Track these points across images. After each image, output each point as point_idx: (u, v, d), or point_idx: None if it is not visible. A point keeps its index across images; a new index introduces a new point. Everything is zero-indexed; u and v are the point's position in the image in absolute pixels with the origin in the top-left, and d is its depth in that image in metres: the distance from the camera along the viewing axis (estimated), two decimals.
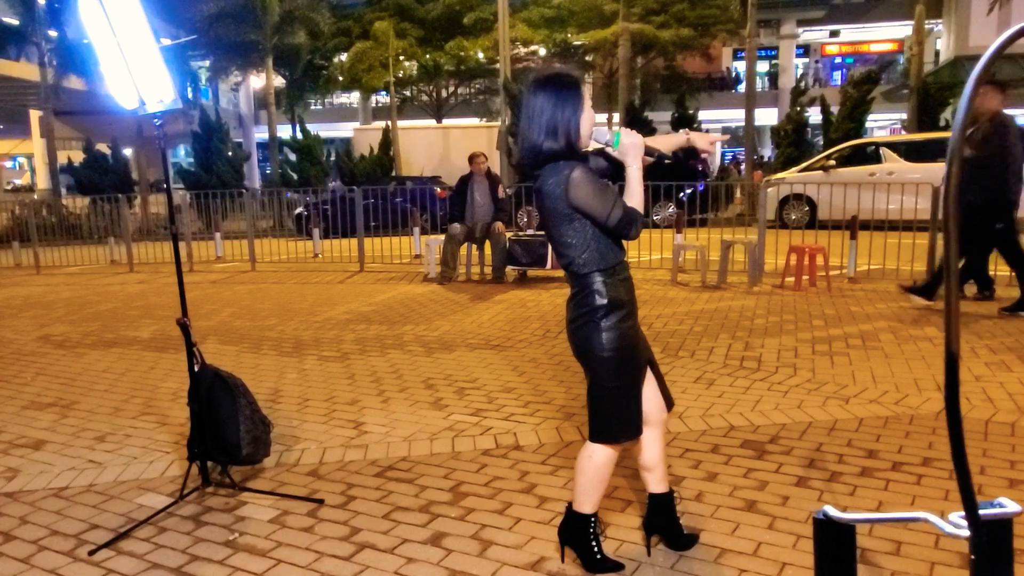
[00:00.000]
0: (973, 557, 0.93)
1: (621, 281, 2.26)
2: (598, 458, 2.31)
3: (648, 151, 2.28)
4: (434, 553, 2.56)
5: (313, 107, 33.77)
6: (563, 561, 2.45)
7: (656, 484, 2.47)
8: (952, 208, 0.90)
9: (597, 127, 2.27)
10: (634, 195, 2.23)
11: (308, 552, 2.60)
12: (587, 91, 2.30)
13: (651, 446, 2.43)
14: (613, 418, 2.26)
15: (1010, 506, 0.92)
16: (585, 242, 2.20)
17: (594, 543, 2.38)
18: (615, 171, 2.36)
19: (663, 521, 2.50)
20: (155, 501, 3.04)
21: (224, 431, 3.03)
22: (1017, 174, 5.86)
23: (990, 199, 5.76)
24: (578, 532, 2.38)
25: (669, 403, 2.46)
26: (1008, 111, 6.00)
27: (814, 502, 2.85)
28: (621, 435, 2.28)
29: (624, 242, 2.28)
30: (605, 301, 2.21)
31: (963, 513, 0.92)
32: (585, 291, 2.22)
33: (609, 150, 2.29)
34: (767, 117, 29.98)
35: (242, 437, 3.05)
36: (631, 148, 2.23)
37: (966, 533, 0.92)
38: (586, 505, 2.35)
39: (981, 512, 0.91)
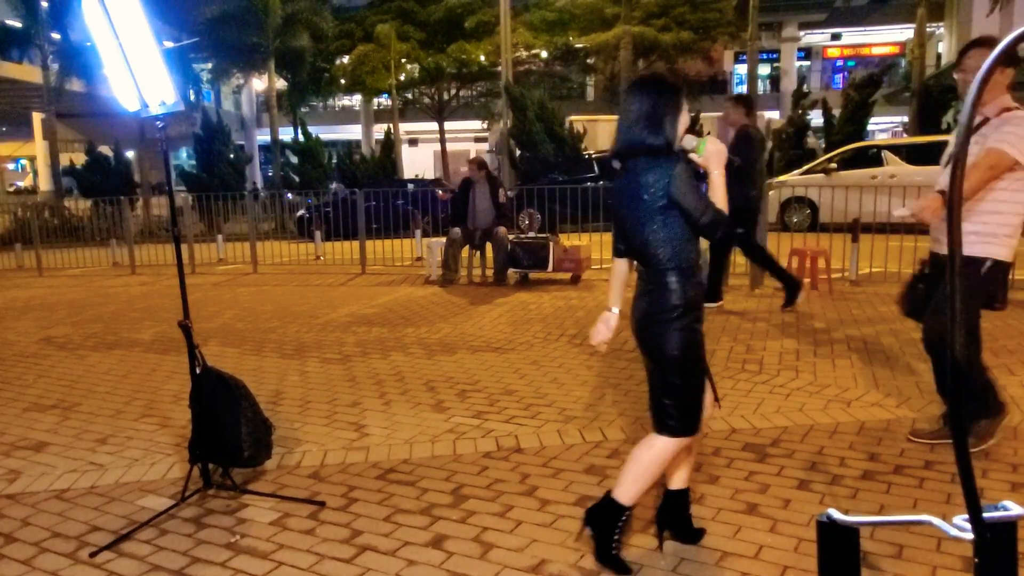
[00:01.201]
0: (977, 560, 0.93)
1: (696, 283, 2.33)
2: (658, 450, 2.36)
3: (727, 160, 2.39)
4: (435, 555, 2.56)
5: (315, 109, 33.79)
6: (578, 539, 2.48)
7: (680, 481, 2.52)
8: (955, 210, 0.90)
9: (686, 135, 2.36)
10: (719, 200, 2.31)
11: (309, 554, 2.60)
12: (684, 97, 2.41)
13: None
14: (677, 414, 2.33)
15: (1014, 509, 0.92)
16: (672, 238, 2.26)
17: (616, 536, 2.41)
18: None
19: (677, 517, 2.56)
20: (156, 503, 3.04)
21: (225, 433, 3.04)
22: (756, 184, 6.45)
23: (740, 205, 6.10)
24: (607, 520, 2.40)
25: (716, 400, 2.52)
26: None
27: (816, 505, 2.85)
28: (684, 430, 2.34)
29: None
30: (681, 301, 2.27)
31: (967, 516, 0.92)
32: (662, 289, 2.28)
33: (694, 156, 2.36)
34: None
35: (243, 439, 3.06)
36: (715, 156, 2.33)
37: (970, 536, 0.92)
38: (628, 495, 2.38)
39: (985, 515, 0.91)
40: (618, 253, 2.51)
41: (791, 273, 6.69)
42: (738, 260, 8.22)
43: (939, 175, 3.34)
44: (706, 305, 6.46)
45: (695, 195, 2.23)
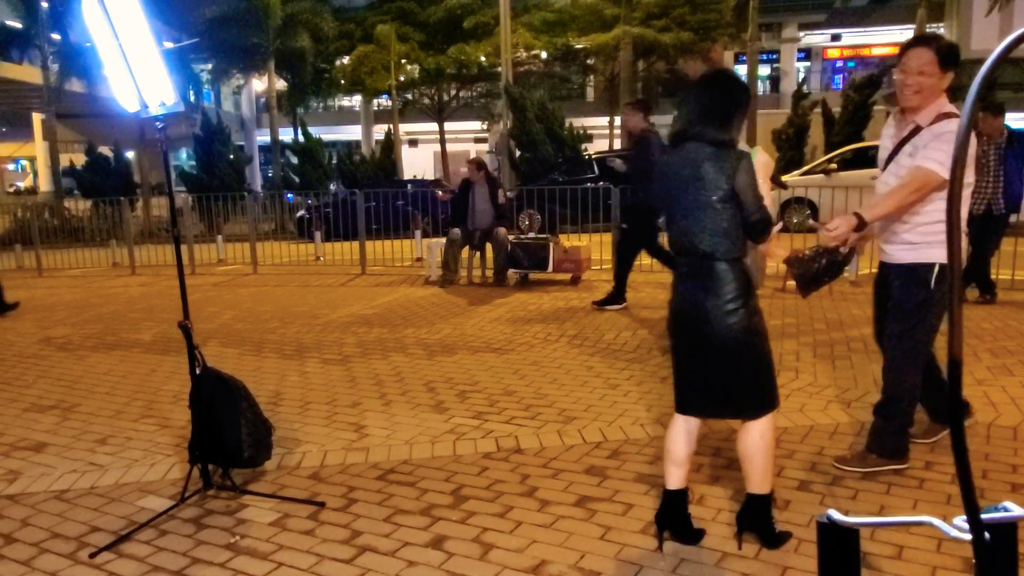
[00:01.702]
0: (977, 561, 0.93)
1: (744, 269, 2.41)
2: (768, 435, 2.43)
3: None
4: (435, 556, 2.56)
5: (314, 110, 33.81)
6: (740, 548, 2.51)
7: (679, 480, 2.54)
8: (955, 213, 0.90)
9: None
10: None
11: (309, 555, 2.60)
12: None
13: (692, 440, 2.54)
14: (769, 387, 2.42)
15: (1015, 510, 0.92)
16: (738, 228, 2.33)
17: (774, 519, 2.51)
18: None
19: (677, 517, 2.56)
20: (156, 504, 3.04)
21: (225, 434, 3.03)
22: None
23: (632, 205, 6.72)
24: (763, 512, 2.48)
25: None
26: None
27: (816, 506, 2.84)
28: (776, 400, 2.46)
29: None
30: (743, 287, 2.35)
31: (967, 517, 0.92)
32: (732, 276, 2.33)
33: None
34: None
35: (243, 440, 3.06)
36: (764, 167, 2.48)
37: (970, 537, 0.92)
38: (768, 484, 2.46)
39: (985, 516, 0.91)
40: None
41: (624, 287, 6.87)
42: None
43: (877, 182, 3.10)
44: (609, 307, 6.83)
45: (755, 192, 2.31)
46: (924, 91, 2.85)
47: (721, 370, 2.39)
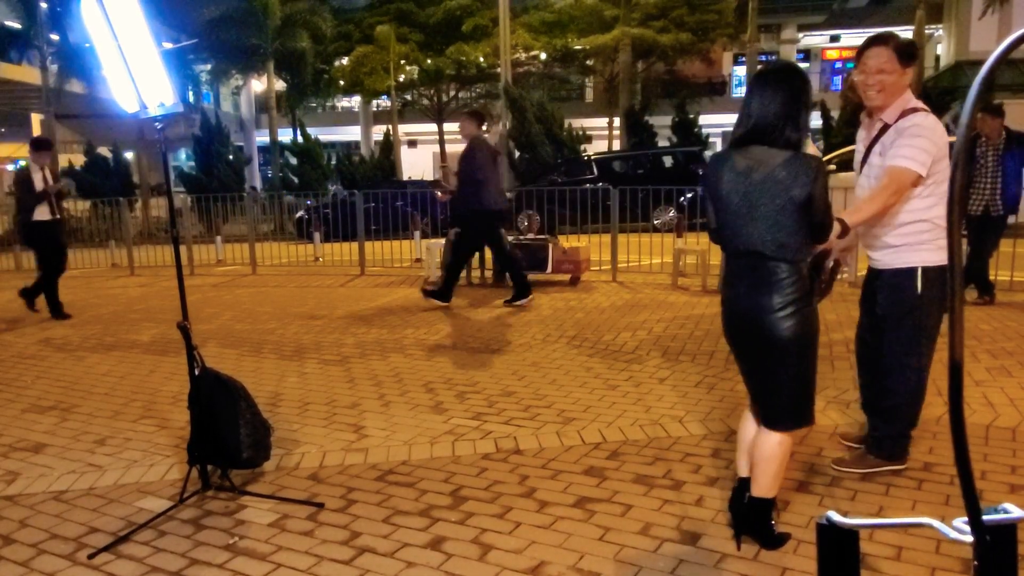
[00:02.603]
0: (977, 563, 0.92)
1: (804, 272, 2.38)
2: (787, 443, 2.42)
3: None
4: (434, 557, 2.56)
5: (314, 111, 33.79)
6: (739, 548, 2.53)
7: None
8: (956, 214, 0.90)
9: None
10: None
11: (308, 556, 2.60)
12: None
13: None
14: (808, 401, 2.40)
15: (1015, 511, 0.91)
16: (798, 231, 2.30)
17: (773, 522, 2.52)
18: None
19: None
20: (155, 505, 3.03)
21: (224, 435, 3.03)
22: (499, 186, 7.16)
23: (470, 208, 6.98)
24: (763, 516, 2.49)
25: None
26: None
27: (815, 507, 2.84)
28: (812, 416, 2.44)
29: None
30: (805, 290, 2.33)
31: (967, 518, 0.92)
32: (794, 276, 2.30)
33: None
34: None
35: (242, 440, 3.05)
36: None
37: (970, 538, 0.92)
38: (775, 489, 2.47)
39: (985, 517, 0.91)
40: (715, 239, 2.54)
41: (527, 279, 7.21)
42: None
43: (856, 185, 3.09)
44: (439, 304, 7.09)
45: (826, 195, 2.29)
46: (887, 89, 2.84)
47: (768, 373, 2.38)
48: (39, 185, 6.91)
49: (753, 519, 2.51)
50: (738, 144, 2.37)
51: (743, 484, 2.57)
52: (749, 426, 2.58)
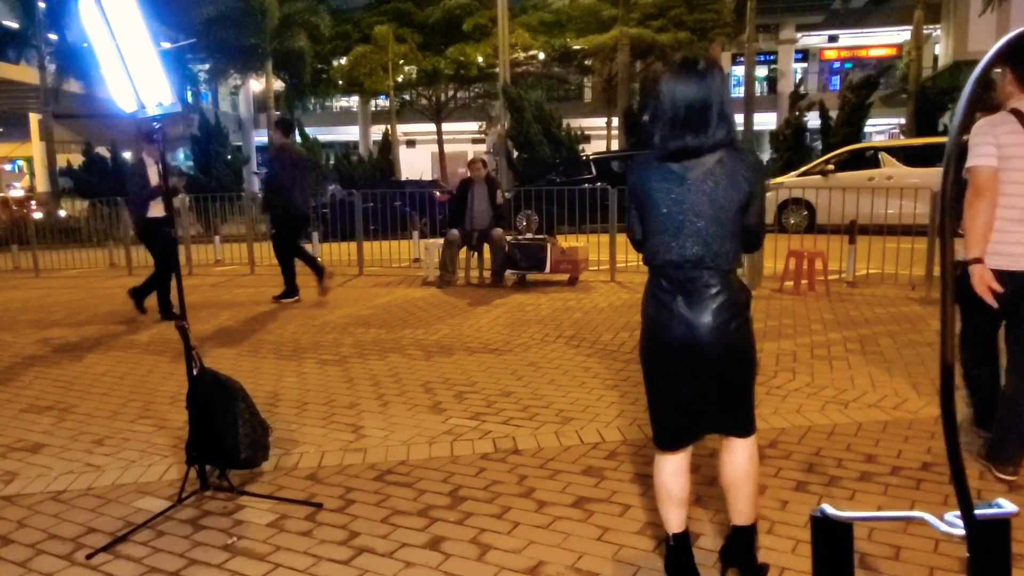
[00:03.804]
0: (969, 556, 0.93)
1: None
2: (756, 454, 2.28)
3: None
4: (432, 557, 2.56)
5: (312, 110, 33.79)
6: None
7: (684, 521, 2.31)
8: (949, 214, 0.90)
9: None
10: None
11: (306, 556, 2.60)
12: None
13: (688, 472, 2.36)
14: (752, 408, 2.27)
15: (1007, 506, 0.92)
16: (738, 235, 2.14)
17: (756, 548, 2.35)
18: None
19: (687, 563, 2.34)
20: (153, 505, 3.03)
21: (222, 435, 3.03)
22: (304, 192, 7.76)
23: (285, 213, 7.50)
24: (750, 543, 2.29)
25: None
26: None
27: (813, 506, 2.84)
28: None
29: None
30: (749, 296, 2.20)
31: (959, 512, 0.92)
32: (735, 287, 2.14)
33: None
34: (766, 122, 30.04)
35: (240, 440, 3.05)
36: None
37: (961, 532, 0.92)
38: (756, 511, 2.30)
39: (977, 512, 0.91)
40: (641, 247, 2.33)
41: (303, 274, 7.83)
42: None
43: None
44: (284, 300, 7.61)
45: (764, 199, 2.16)
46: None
47: (732, 385, 2.18)
48: (153, 180, 6.65)
49: (742, 551, 2.29)
50: (670, 157, 2.14)
51: (680, 541, 2.27)
52: (675, 475, 2.26)
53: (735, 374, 2.17)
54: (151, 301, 7.08)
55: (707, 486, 3.04)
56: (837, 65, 35.83)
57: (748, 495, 2.24)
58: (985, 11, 19.00)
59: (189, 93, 27.60)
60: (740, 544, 2.29)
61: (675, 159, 2.12)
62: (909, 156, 13.01)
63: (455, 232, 8.36)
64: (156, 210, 6.71)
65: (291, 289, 7.73)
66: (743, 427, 2.24)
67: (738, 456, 2.24)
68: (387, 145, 23.58)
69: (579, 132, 21.26)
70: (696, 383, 2.18)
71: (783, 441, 3.50)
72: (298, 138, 23.78)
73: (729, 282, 2.13)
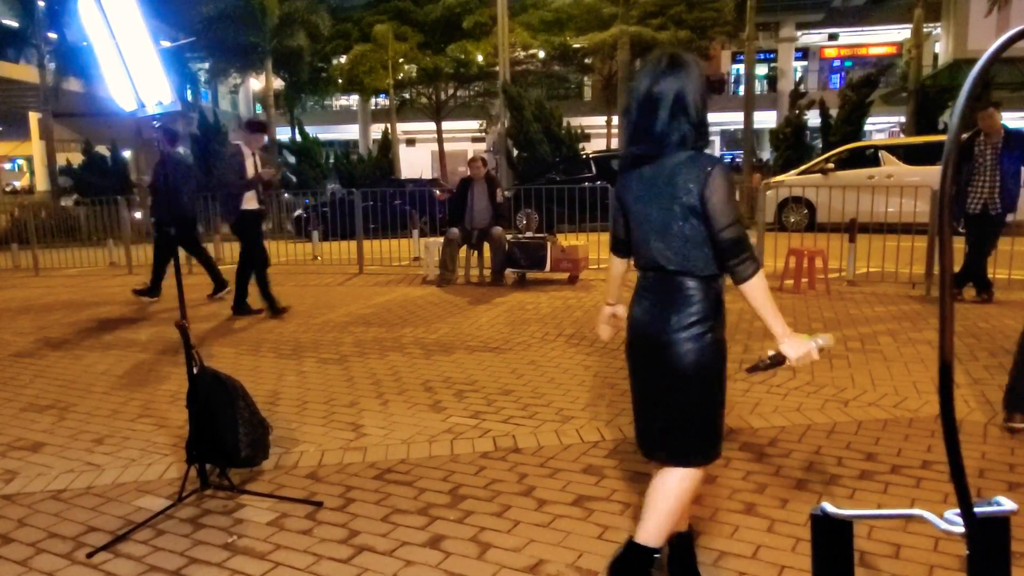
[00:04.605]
0: (969, 554, 0.93)
1: (719, 290, 2.09)
2: (692, 481, 2.13)
3: None
4: (433, 555, 2.56)
5: (312, 109, 33.78)
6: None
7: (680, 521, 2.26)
8: (947, 212, 0.90)
9: None
10: None
11: (307, 555, 2.60)
12: None
13: None
14: (716, 435, 2.11)
15: (1006, 504, 0.92)
16: (706, 242, 2.00)
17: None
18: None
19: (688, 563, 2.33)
20: (153, 503, 3.03)
21: (223, 433, 3.03)
22: (190, 196, 7.82)
23: (175, 214, 7.49)
24: (641, 569, 2.12)
25: None
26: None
27: (813, 505, 2.84)
28: (719, 451, 2.14)
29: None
30: (722, 310, 2.07)
31: (959, 510, 0.92)
32: (704, 296, 2.02)
33: None
34: (766, 120, 30.02)
35: (241, 439, 3.05)
36: None
37: (961, 530, 0.92)
38: (662, 537, 2.13)
39: (977, 510, 0.91)
40: (618, 251, 2.31)
41: (220, 273, 8.18)
42: None
43: None
44: (147, 299, 7.86)
45: (730, 203, 1.97)
46: None
47: (665, 401, 2.09)
48: (250, 171, 6.58)
49: (627, 572, 2.13)
50: (642, 158, 2.10)
51: (683, 541, 2.28)
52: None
53: (688, 390, 2.05)
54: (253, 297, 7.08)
55: (706, 485, 3.04)
56: (837, 63, 35.80)
57: (657, 514, 2.13)
58: (991, 11, 18.97)
59: (189, 92, 27.58)
60: (630, 563, 2.14)
61: (635, 164, 2.09)
62: (909, 154, 13.01)
63: (455, 231, 8.36)
64: (249, 202, 6.68)
65: (154, 288, 7.92)
66: (683, 454, 2.11)
67: (665, 473, 2.15)
68: (387, 144, 23.57)
69: (579, 130, 21.23)
70: (653, 388, 2.12)
71: (783, 439, 3.50)
72: (298, 136, 23.81)
73: (706, 290, 2.03)
